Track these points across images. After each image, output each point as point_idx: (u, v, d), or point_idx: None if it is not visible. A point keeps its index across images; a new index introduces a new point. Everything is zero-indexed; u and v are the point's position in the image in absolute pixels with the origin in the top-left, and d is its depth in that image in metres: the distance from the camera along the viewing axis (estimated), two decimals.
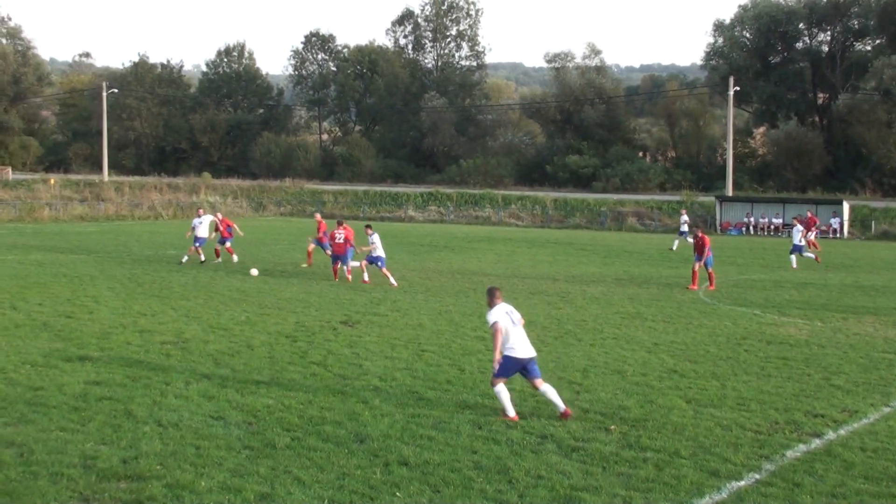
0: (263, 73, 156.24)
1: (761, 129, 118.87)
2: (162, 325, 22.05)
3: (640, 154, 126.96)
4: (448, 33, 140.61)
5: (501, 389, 14.23)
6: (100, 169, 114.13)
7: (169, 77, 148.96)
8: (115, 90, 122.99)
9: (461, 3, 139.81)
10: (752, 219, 78.56)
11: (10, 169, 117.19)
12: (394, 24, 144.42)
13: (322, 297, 28.08)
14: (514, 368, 14.28)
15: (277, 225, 74.09)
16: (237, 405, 14.43)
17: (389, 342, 20.50)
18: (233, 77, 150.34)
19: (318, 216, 39.93)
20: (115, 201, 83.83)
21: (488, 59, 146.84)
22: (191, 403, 14.44)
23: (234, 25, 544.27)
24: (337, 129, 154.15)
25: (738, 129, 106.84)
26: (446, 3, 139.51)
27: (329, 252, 34.90)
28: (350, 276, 33.29)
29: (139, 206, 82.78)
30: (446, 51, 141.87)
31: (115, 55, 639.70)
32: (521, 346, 14.41)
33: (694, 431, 13.69)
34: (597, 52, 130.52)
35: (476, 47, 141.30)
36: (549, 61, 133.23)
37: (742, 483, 11.48)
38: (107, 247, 41.42)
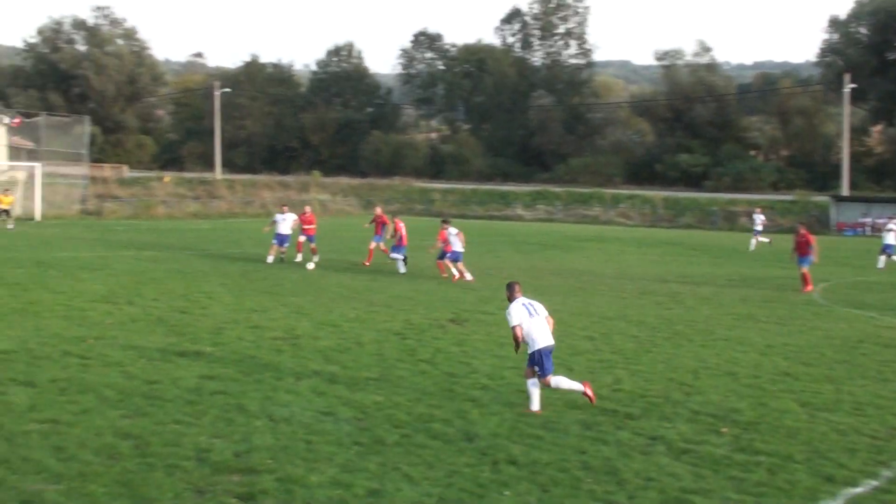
0: (372, 72, 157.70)
1: (878, 127, 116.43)
2: (273, 321, 22.31)
3: (752, 152, 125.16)
4: (556, 31, 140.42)
5: (534, 383, 14.42)
6: (212, 167, 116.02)
7: (280, 76, 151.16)
8: (228, 90, 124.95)
9: (569, 1, 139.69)
10: (868, 219, 76.75)
11: (126, 167, 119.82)
12: (502, 22, 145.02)
13: (431, 295, 28.16)
14: (545, 359, 14.44)
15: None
16: (347, 401, 14.53)
17: (498, 341, 20.46)
18: (342, 76, 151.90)
19: (379, 210, 39.53)
20: (228, 199, 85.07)
21: (596, 56, 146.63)
22: (301, 399, 14.59)
23: (343, 25, 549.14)
24: (445, 127, 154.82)
25: (853, 128, 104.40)
26: (554, 1, 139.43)
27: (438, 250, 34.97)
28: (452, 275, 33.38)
29: (250, 204, 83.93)
30: (554, 49, 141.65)
31: (227, 55, 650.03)
32: (540, 336, 14.69)
33: (808, 436, 13.41)
34: (707, 50, 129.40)
35: (584, 45, 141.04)
36: (658, 59, 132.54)
37: (858, 490, 11.23)
38: (219, 243, 42.09)
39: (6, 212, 54.04)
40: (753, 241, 52.94)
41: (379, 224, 37.38)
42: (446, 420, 13.62)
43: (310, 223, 38.13)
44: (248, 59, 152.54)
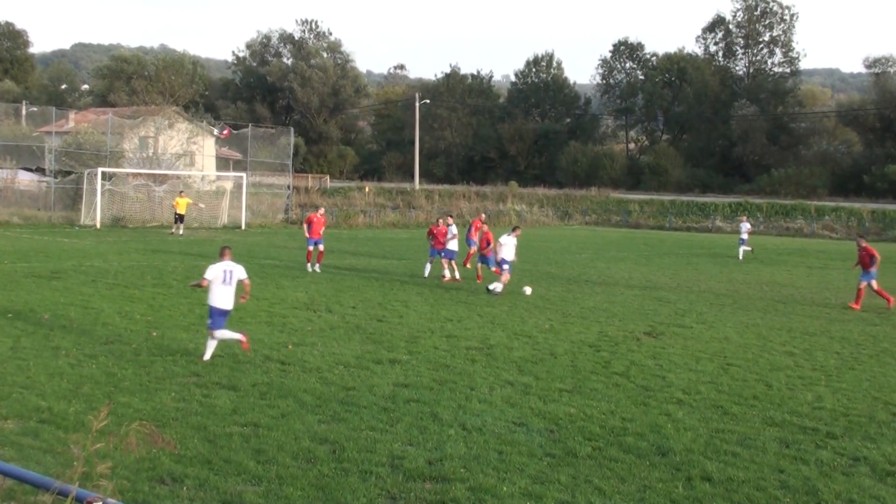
0: (571, 82, 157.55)
1: None
2: (468, 330, 22.47)
3: None
4: (761, 39, 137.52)
5: (220, 335, 17.77)
6: (411, 177, 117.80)
7: (479, 87, 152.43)
8: (427, 101, 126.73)
9: (775, 8, 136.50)
10: None
11: (328, 177, 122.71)
12: (704, 31, 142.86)
13: (625, 307, 27.90)
14: (216, 316, 17.58)
15: (582, 234, 74.27)
16: (539, 412, 14.52)
17: (694, 355, 20.14)
18: (541, 87, 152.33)
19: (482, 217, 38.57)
20: (426, 209, 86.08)
21: (802, 64, 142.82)
22: (494, 409, 14.63)
23: (542, 35, 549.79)
24: (644, 137, 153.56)
25: None
26: (759, 9, 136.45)
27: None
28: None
29: (448, 215, 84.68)
30: (758, 57, 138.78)
31: (427, 67, 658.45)
32: (220, 299, 17.64)
33: None
34: None
35: (790, 53, 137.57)
36: (868, 66, 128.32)
37: None
38: (417, 253, 42.63)
39: (181, 217, 55.01)
40: (741, 251, 50.85)
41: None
42: (640, 434, 13.46)
43: (321, 226, 36.50)
44: (448, 70, 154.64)
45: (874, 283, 30.17)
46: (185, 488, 10.63)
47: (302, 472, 11.27)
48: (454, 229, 34.12)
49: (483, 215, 39.77)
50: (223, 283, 17.72)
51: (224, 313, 17.87)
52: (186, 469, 11.20)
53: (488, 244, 33.07)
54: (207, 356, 17.67)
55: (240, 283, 18.00)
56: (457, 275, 33.53)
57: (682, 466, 12.01)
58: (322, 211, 37.78)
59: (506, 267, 30.66)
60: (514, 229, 32.22)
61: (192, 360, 17.50)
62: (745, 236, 52.38)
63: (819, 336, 23.57)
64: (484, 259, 33.26)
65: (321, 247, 36.06)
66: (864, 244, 30.85)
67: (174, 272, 33.07)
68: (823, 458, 12.63)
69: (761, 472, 11.89)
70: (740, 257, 50.32)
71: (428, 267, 34.54)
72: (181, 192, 58.09)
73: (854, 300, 30.07)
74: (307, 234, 35.83)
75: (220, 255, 18.13)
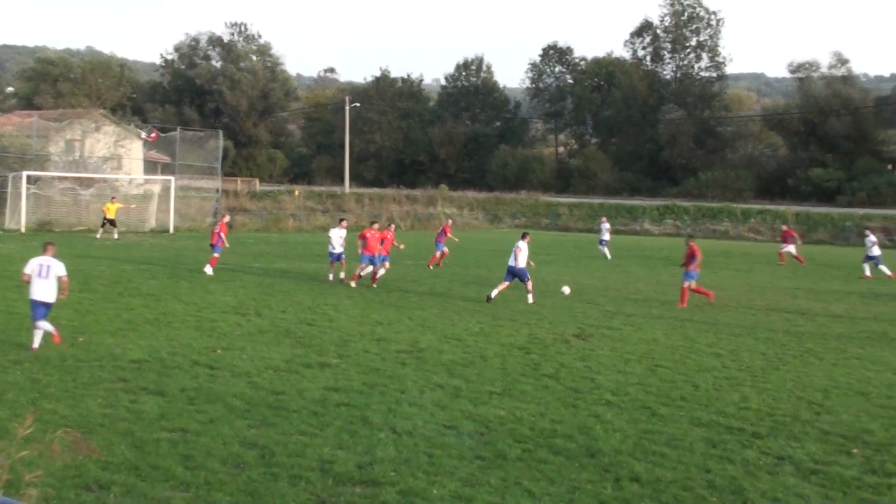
0: (501, 86, 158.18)
1: None
2: (398, 334, 22.47)
3: (889, 167, 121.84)
4: (688, 44, 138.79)
5: (42, 325, 18.50)
6: (341, 180, 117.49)
7: (409, 91, 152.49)
8: (358, 104, 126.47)
9: (702, 14, 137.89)
10: None
11: (257, 180, 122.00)
12: (632, 35, 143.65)
13: (555, 310, 28.07)
14: (35, 308, 18.46)
15: (512, 237, 74.40)
16: (469, 415, 14.56)
17: (622, 356, 20.32)
18: (471, 90, 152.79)
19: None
20: (356, 212, 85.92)
21: (729, 69, 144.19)
22: (425, 412, 14.65)
23: (472, 39, 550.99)
24: (573, 141, 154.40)
25: None
26: (686, 14, 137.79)
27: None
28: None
29: (378, 218, 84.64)
30: (685, 62, 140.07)
31: (357, 70, 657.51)
32: (38, 292, 18.42)
33: None
34: (844, 62, 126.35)
35: (716, 58, 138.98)
36: (792, 71, 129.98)
37: None
38: (347, 256, 42.42)
39: (111, 221, 54.66)
40: (605, 251, 52.44)
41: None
42: (569, 435, 13.55)
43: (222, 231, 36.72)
44: (378, 73, 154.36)
45: (693, 283, 30.73)
46: (111, 495, 10.51)
47: (231, 477, 11.20)
48: (376, 234, 34.24)
49: (450, 221, 40.84)
50: (39, 276, 18.55)
51: (40, 305, 18.56)
52: (113, 476, 11.07)
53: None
54: (35, 345, 18.54)
55: (58, 279, 18.73)
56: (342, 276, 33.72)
57: (610, 467, 12.10)
58: (376, 225, 35.50)
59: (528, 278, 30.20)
60: (524, 236, 31.69)
61: (119, 365, 17.32)
62: (605, 237, 52.89)
63: (745, 337, 23.88)
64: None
65: (387, 263, 34.74)
66: (691, 243, 31.57)
67: (101, 277, 32.70)
68: (749, 457, 12.80)
69: (688, 472, 12.02)
70: (608, 257, 51.00)
71: (367, 270, 33.95)
72: (112, 198, 57.69)
73: (679, 300, 30.61)
74: (361, 251, 33.44)
75: (43, 250, 18.94)
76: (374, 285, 32.93)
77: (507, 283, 30.29)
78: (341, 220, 36.97)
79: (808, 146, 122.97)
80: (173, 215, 63.58)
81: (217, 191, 74.21)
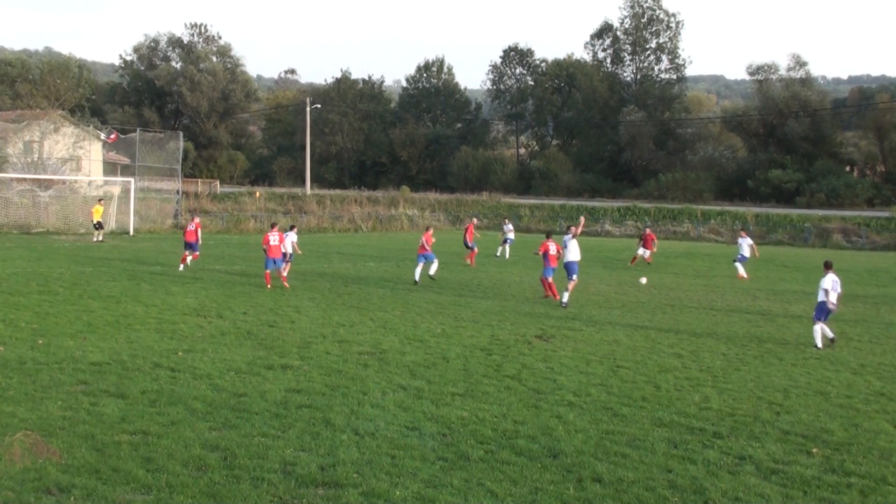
0: (462, 87, 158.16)
1: None
2: (360, 335, 22.44)
3: (847, 168, 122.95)
4: (647, 46, 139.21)
5: None
6: (303, 182, 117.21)
7: (370, 92, 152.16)
8: (319, 106, 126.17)
9: (661, 16, 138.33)
10: None
11: (218, 182, 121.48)
12: (592, 37, 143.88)
13: (517, 311, 28.13)
14: None
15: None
16: (432, 416, 14.56)
17: (584, 357, 20.38)
18: (432, 92, 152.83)
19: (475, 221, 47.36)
20: (317, 214, 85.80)
21: (688, 71, 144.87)
22: (387, 413, 14.64)
23: (433, 41, 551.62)
24: (534, 143, 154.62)
25: None
26: (646, 16, 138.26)
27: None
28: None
29: (339, 219, 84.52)
30: (645, 64, 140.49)
31: (318, 71, 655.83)
32: None
33: None
34: (802, 64, 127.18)
35: (676, 60, 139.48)
36: (751, 73, 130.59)
37: None
38: (308, 258, 42.39)
39: (99, 224, 55.18)
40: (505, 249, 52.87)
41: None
42: (531, 436, 13.58)
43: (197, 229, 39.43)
44: (339, 75, 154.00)
45: (549, 278, 32.43)
46: (72, 498, 10.45)
47: (193, 479, 11.15)
48: (293, 236, 35.90)
49: (474, 220, 42.17)
50: None
51: None
52: (74, 479, 11.00)
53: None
54: None
55: None
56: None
57: (573, 468, 12.13)
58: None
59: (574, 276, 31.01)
60: (569, 228, 32.61)
61: (80, 367, 17.20)
62: (510, 236, 53.08)
63: (706, 337, 24.02)
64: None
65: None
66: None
67: (60, 279, 32.47)
68: (710, 457, 12.87)
69: (650, 473, 12.07)
70: (507, 256, 51.97)
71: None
72: (100, 200, 57.85)
73: (545, 293, 32.42)
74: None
75: None
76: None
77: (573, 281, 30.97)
78: (292, 226, 38.56)
79: (768, 148, 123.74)
80: (133, 217, 63.25)
81: (177, 192, 73.94)
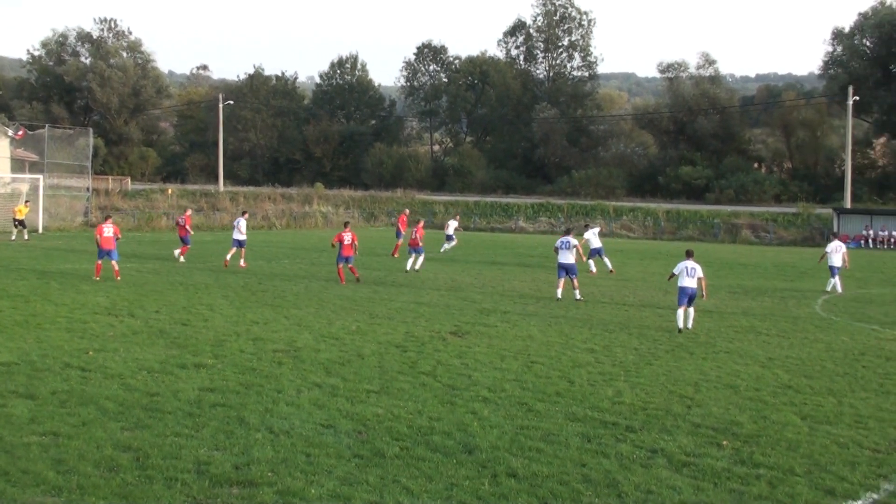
0: (376, 84, 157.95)
1: (882, 140, 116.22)
2: (274, 333, 22.33)
3: (756, 165, 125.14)
4: (560, 44, 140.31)
5: None
6: (215, 179, 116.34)
7: (283, 89, 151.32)
8: (231, 102, 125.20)
9: (573, 14, 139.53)
10: (871, 232, 76.54)
11: (129, 179, 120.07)
12: (505, 35, 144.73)
13: (432, 308, 28.17)
14: None
15: (388, 235, 74.53)
16: (347, 414, 14.53)
17: (499, 353, 20.48)
18: (346, 88, 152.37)
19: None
20: (231, 211, 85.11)
21: (600, 69, 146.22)
22: (302, 411, 14.59)
23: (347, 38, 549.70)
24: (448, 140, 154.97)
25: (857, 140, 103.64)
26: (558, 14, 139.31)
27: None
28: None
29: (253, 216, 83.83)
30: (558, 61, 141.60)
31: (231, 68, 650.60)
32: None
33: (809, 449, 13.39)
34: (711, 62, 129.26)
35: (588, 57, 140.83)
36: (662, 71, 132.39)
37: (859, 503, 11.21)
38: (221, 256, 42.05)
39: (21, 222, 54.25)
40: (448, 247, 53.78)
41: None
42: (446, 432, 13.61)
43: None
44: (251, 71, 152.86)
45: (343, 266, 35.14)
46: None
47: (104, 481, 11.00)
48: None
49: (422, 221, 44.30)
50: None
51: None
52: None
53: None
54: None
55: None
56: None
57: (488, 464, 12.18)
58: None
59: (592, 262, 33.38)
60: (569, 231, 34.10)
61: None
62: (451, 232, 53.69)
63: (618, 332, 24.27)
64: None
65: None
66: (346, 231, 35.39)
67: None
68: (623, 451, 13.00)
69: (564, 467, 12.16)
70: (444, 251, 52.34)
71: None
72: (27, 201, 57.65)
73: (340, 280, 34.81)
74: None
75: None
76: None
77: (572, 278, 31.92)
78: (244, 212, 44.77)
79: (678, 145, 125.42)
80: (42, 215, 62.26)
81: (87, 189, 72.90)
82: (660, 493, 11.27)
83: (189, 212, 45.05)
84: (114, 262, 33.70)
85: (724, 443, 13.56)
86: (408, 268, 39.37)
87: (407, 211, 57.28)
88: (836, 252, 37.54)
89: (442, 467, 11.96)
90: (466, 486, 11.25)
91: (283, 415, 14.33)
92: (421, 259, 39.81)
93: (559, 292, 31.68)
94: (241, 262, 40.05)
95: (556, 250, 32.12)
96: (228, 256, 40.42)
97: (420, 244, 39.47)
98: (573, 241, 32.09)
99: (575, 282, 31.68)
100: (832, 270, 37.28)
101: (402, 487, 11.14)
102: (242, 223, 41.20)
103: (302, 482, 11.18)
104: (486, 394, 16.25)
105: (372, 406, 15.07)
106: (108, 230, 33.91)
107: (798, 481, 11.87)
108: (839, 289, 36.58)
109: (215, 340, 20.95)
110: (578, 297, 31.39)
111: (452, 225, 54.44)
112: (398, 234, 50.74)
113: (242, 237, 40.58)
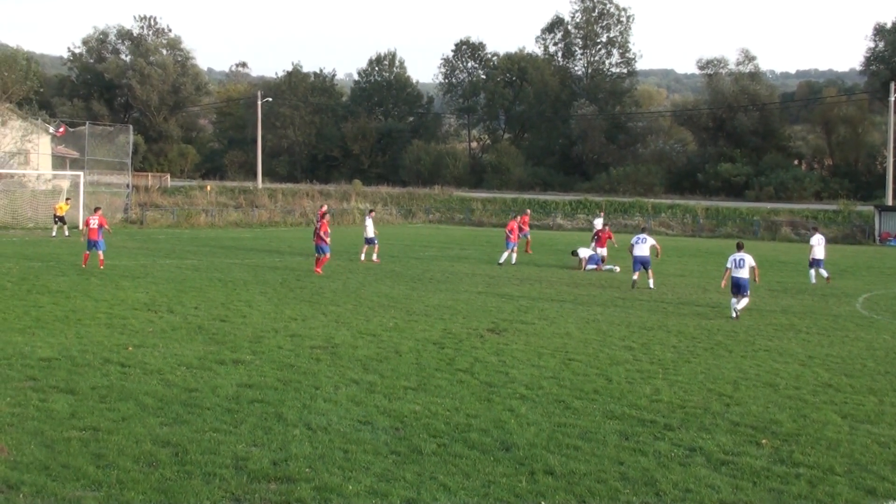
0: (414, 81, 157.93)
1: None
2: (312, 329, 22.38)
3: (795, 162, 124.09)
4: (598, 40, 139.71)
5: None
6: (254, 176, 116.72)
7: (321, 86, 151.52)
8: (270, 99, 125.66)
9: (612, 10, 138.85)
10: None
11: (168, 176, 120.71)
12: (543, 31, 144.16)
13: (469, 305, 28.15)
14: None
15: (426, 232, 74.61)
16: (384, 410, 14.54)
17: (536, 350, 20.44)
18: (384, 85, 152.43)
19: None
20: (269, 208, 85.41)
21: (639, 65, 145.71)
22: (339, 408, 14.61)
23: (385, 35, 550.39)
24: (486, 136, 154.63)
25: None
26: (597, 10, 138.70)
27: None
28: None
29: (291, 213, 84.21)
30: (596, 58, 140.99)
31: (270, 65, 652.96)
32: None
33: (849, 448, 13.28)
34: (751, 58, 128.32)
35: (627, 54, 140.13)
36: (701, 68, 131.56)
37: None
38: (260, 252, 42.24)
39: (62, 219, 54.93)
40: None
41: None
42: (484, 430, 13.60)
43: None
44: (290, 68, 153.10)
45: (324, 256, 36.86)
46: (21, 495, 10.33)
47: (143, 476, 11.06)
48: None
49: (528, 211, 49.57)
50: None
51: None
52: (23, 476, 10.89)
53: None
54: None
55: None
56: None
57: (525, 461, 12.16)
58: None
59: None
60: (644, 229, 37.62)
61: (28, 363, 17.03)
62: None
63: (656, 330, 24.16)
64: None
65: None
66: (323, 222, 37.20)
67: (8, 274, 32.15)
68: (661, 449, 12.94)
69: (602, 465, 12.12)
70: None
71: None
72: (67, 199, 58.84)
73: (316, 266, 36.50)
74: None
75: None
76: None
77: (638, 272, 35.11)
78: (370, 210, 48.12)
79: (717, 141, 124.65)
80: (83, 211, 62.68)
81: (127, 186, 73.34)
82: (698, 492, 11.20)
83: (325, 207, 46.23)
84: (100, 252, 34.93)
85: (764, 441, 13.47)
86: (501, 261, 43.15)
87: (528, 211, 60.00)
88: (820, 245, 39.24)
89: (479, 464, 11.95)
90: (503, 484, 11.23)
91: (320, 411, 14.35)
92: (514, 256, 43.74)
93: (635, 276, 34.92)
94: (374, 258, 42.49)
95: (632, 246, 35.02)
96: (363, 256, 42.87)
97: (514, 239, 43.49)
98: (650, 239, 35.33)
99: (650, 272, 35.03)
100: (818, 263, 38.96)
101: (440, 484, 11.13)
102: (369, 222, 43.59)
103: (339, 478, 11.19)
104: (523, 391, 16.22)
105: (409, 403, 15.07)
106: (95, 222, 36.13)
107: (838, 481, 11.77)
108: (824, 273, 38.79)
109: (253, 337, 21.02)
110: (651, 286, 34.62)
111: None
112: (521, 234, 50.00)
113: (370, 235, 42.93)
